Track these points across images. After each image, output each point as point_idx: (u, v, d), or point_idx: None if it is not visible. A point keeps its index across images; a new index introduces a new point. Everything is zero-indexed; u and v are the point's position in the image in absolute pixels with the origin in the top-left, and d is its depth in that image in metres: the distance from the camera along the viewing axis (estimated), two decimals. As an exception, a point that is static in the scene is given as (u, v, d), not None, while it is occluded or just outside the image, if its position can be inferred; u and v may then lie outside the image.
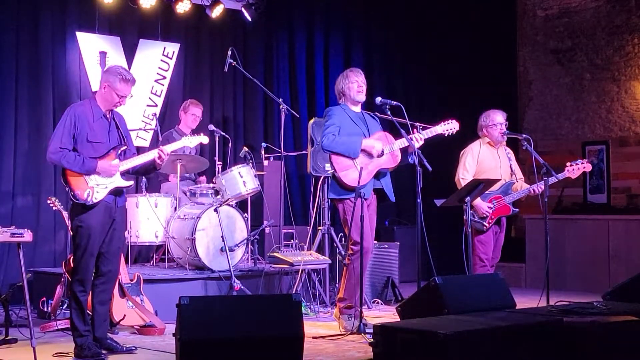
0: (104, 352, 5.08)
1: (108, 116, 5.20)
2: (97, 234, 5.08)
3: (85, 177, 5.05)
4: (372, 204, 6.09)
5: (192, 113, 7.92)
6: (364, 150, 5.97)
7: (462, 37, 10.23)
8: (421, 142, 5.93)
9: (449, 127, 6.13)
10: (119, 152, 5.19)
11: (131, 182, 5.33)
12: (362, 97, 6.12)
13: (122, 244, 5.45)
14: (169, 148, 5.37)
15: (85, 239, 5.05)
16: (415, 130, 6.02)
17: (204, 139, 5.88)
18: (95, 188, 5.05)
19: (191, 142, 5.78)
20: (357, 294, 5.87)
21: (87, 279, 5.12)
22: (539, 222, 8.79)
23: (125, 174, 5.22)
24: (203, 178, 8.02)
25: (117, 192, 5.19)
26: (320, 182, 7.54)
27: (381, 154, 5.99)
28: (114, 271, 5.29)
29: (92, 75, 7.97)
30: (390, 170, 6.16)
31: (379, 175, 6.05)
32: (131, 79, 5.18)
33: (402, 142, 6.01)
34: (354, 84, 6.10)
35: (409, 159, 6.06)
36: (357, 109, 6.17)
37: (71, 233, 5.22)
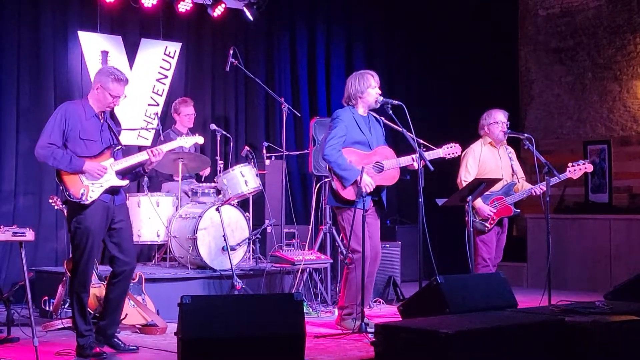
0: (105, 352, 5.07)
1: (101, 117, 5.17)
2: (95, 235, 5.05)
3: (80, 176, 5.01)
4: (372, 210, 6.06)
5: (185, 114, 7.87)
6: (355, 182, 5.81)
7: (463, 37, 10.22)
8: (420, 166, 5.83)
9: (451, 150, 6.11)
10: (114, 151, 5.16)
11: (127, 182, 5.24)
12: (378, 104, 6.03)
13: (132, 242, 5.35)
14: (164, 147, 5.30)
15: (84, 240, 5.03)
16: (420, 147, 5.96)
17: (199, 139, 5.80)
18: (90, 187, 5.01)
19: (187, 142, 5.69)
20: (358, 299, 5.87)
21: (87, 280, 5.13)
22: (540, 221, 8.78)
23: (120, 174, 5.16)
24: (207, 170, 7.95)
25: (114, 191, 5.14)
26: (322, 182, 7.54)
27: (381, 170, 5.93)
28: (129, 271, 5.20)
29: (93, 74, 7.87)
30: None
31: (379, 189, 6.01)
32: (124, 79, 5.12)
33: (405, 160, 5.97)
34: (374, 90, 5.97)
35: (406, 176, 6.08)
36: (366, 112, 6.09)
37: (70, 234, 5.21)
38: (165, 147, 5.39)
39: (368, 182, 5.82)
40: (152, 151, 5.19)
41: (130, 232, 5.33)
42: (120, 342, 5.22)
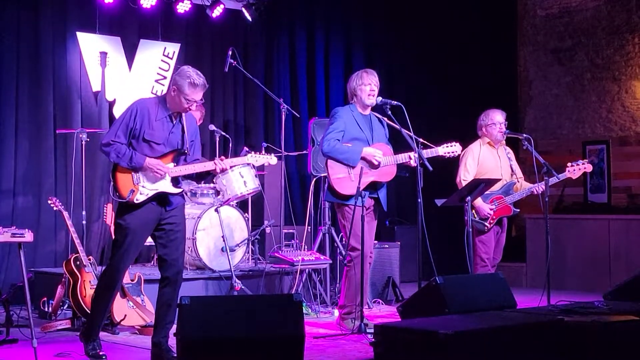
0: (105, 355, 5.05)
1: (174, 118, 5.03)
2: (135, 234, 4.97)
3: (133, 176, 4.94)
4: (371, 209, 6.07)
5: None
6: (363, 158, 5.90)
7: (462, 37, 10.22)
8: (416, 163, 5.84)
9: (451, 149, 6.09)
10: (176, 156, 5.03)
11: (179, 190, 5.09)
12: (372, 101, 6.02)
13: (182, 245, 5.13)
14: (228, 162, 5.12)
15: (122, 236, 4.97)
16: (418, 147, 5.95)
17: (272, 160, 5.60)
18: (139, 189, 4.93)
19: (257, 160, 5.48)
20: (357, 299, 5.86)
21: (118, 276, 5.05)
22: (539, 221, 8.79)
23: (176, 181, 5.05)
24: None
25: (164, 199, 5.01)
26: (319, 182, 7.54)
27: (378, 166, 5.95)
28: (173, 276, 5.02)
29: (92, 75, 7.97)
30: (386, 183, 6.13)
31: (376, 186, 6.01)
32: (200, 84, 4.96)
33: (402, 158, 5.96)
34: (367, 87, 6.00)
35: (404, 173, 6.07)
36: (367, 111, 6.09)
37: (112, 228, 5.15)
38: (233, 162, 5.25)
39: (372, 152, 5.87)
40: (216, 162, 5.03)
41: (180, 236, 5.09)
42: (169, 352, 4.97)
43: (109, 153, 4.94)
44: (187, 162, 5.08)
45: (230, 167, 5.19)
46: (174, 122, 5.04)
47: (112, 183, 4.97)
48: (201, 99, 5.08)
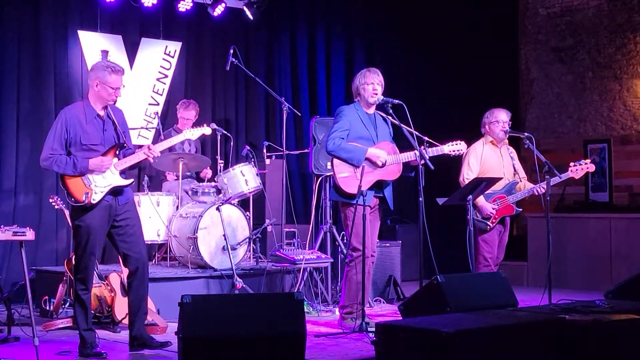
0: (106, 352, 5.07)
1: (103, 115, 5.13)
2: (96, 233, 5.06)
3: (83, 179, 5.02)
4: (375, 208, 6.06)
5: (182, 117, 7.90)
6: (367, 159, 5.90)
7: (464, 36, 10.22)
8: (421, 161, 5.83)
9: (456, 148, 6.06)
10: (117, 150, 5.13)
11: (131, 181, 5.23)
12: (375, 100, 6.01)
13: (141, 239, 5.30)
14: (159, 147, 5.24)
15: (84, 237, 5.05)
16: (422, 146, 5.93)
17: (207, 130, 5.78)
18: (94, 189, 5.02)
19: (193, 134, 5.68)
20: (358, 298, 5.86)
21: (88, 277, 5.14)
22: (541, 220, 8.77)
23: (124, 173, 5.17)
24: (207, 171, 7.93)
25: (117, 191, 5.13)
26: (322, 181, 7.54)
27: (384, 165, 5.94)
28: (141, 268, 5.17)
29: (93, 73, 7.97)
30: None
31: (381, 185, 6.00)
32: (121, 69, 5.10)
33: (407, 156, 5.95)
34: (370, 86, 5.98)
35: (410, 173, 6.05)
36: (371, 110, 6.08)
37: (72, 232, 5.23)
38: (163, 145, 5.35)
39: (377, 153, 5.86)
40: (146, 152, 5.14)
41: (137, 230, 5.25)
42: (152, 339, 5.17)
43: (51, 166, 5.03)
44: (125, 155, 5.17)
45: (157, 151, 5.20)
46: (104, 120, 5.13)
47: (65, 191, 5.04)
48: (123, 85, 5.16)
